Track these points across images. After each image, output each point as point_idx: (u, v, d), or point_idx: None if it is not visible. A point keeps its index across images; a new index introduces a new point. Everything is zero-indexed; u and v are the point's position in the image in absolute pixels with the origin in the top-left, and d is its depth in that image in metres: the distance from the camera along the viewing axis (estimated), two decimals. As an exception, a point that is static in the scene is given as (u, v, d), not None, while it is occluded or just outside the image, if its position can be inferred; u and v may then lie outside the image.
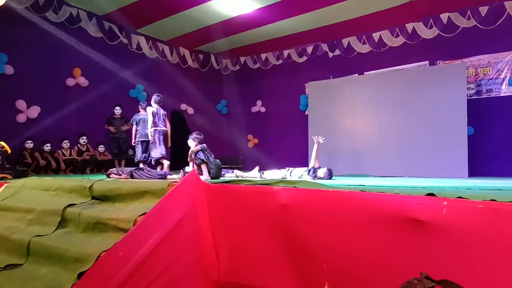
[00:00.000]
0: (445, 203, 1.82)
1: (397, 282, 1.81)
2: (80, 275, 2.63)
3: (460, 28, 8.08)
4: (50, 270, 2.90)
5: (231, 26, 9.19)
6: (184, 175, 4.69)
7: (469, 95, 7.94)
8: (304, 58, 10.61)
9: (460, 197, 1.94)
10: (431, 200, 1.90)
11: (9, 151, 5.94)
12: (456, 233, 1.76)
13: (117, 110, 8.56)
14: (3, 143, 5.87)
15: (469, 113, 7.60)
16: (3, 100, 7.20)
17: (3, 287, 2.79)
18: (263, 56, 11.33)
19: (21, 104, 7.46)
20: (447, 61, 8.44)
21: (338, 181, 4.86)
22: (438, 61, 8.58)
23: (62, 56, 8.14)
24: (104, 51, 8.81)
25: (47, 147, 7.52)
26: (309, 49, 10.42)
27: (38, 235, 3.27)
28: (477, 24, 7.86)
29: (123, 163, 8.34)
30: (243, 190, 2.81)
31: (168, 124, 6.98)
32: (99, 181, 3.78)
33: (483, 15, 7.78)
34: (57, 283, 2.69)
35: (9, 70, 7.26)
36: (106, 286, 2.39)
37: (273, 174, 5.84)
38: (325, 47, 10.14)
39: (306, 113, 10.25)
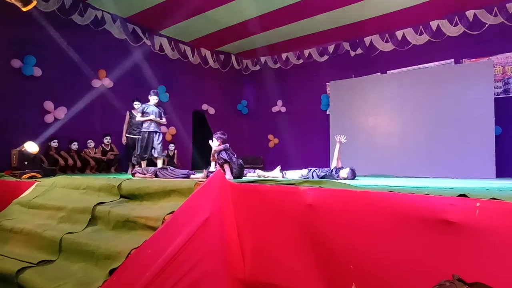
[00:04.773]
0: (477, 204, 1.79)
1: (428, 284, 1.79)
2: (111, 272, 2.70)
3: (487, 25, 7.88)
4: (81, 266, 2.98)
5: (251, 26, 9.20)
6: (207, 175, 4.74)
7: (496, 94, 7.75)
8: (325, 57, 10.54)
9: (493, 198, 1.90)
10: (463, 201, 1.87)
11: (35, 153, 6.03)
12: (489, 235, 1.73)
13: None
14: (27, 144, 5.95)
15: (497, 112, 7.42)
16: (32, 101, 7.43)
17: (37, 283, 2.88)
18: (284, 55, 11.30)
19: (48, 105, 7.67)
20: (473, 59, 8.25)
21: (362, 181, 4.81)
22: (463, 59, 8.40)
23: (88, 58, 8.33)
24: (128, 52, 9.00)
25: (74, 145, 7.70)
26: (330, 48, 10.33)
27: (69, 232, 3.37)
28: (504, 21, 7.65)
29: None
30: (268, 190, 2.82)
31: None
32: (127, 180, 3.87)
33: (510, 12, 7.57)
34: (89, 279, 2.76)
35: (37, 72, 7.48)
36: (136, 282, 2.45)
37: (295, 174, 5.82)
38: (346, 45, 10.04)
39: (328, 112, 10.18)
